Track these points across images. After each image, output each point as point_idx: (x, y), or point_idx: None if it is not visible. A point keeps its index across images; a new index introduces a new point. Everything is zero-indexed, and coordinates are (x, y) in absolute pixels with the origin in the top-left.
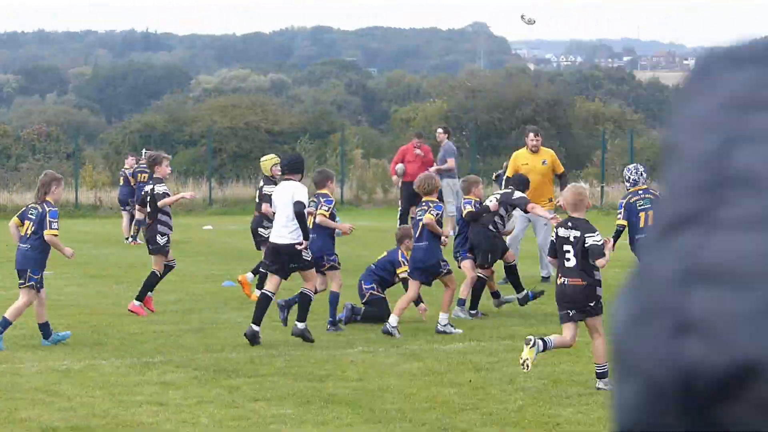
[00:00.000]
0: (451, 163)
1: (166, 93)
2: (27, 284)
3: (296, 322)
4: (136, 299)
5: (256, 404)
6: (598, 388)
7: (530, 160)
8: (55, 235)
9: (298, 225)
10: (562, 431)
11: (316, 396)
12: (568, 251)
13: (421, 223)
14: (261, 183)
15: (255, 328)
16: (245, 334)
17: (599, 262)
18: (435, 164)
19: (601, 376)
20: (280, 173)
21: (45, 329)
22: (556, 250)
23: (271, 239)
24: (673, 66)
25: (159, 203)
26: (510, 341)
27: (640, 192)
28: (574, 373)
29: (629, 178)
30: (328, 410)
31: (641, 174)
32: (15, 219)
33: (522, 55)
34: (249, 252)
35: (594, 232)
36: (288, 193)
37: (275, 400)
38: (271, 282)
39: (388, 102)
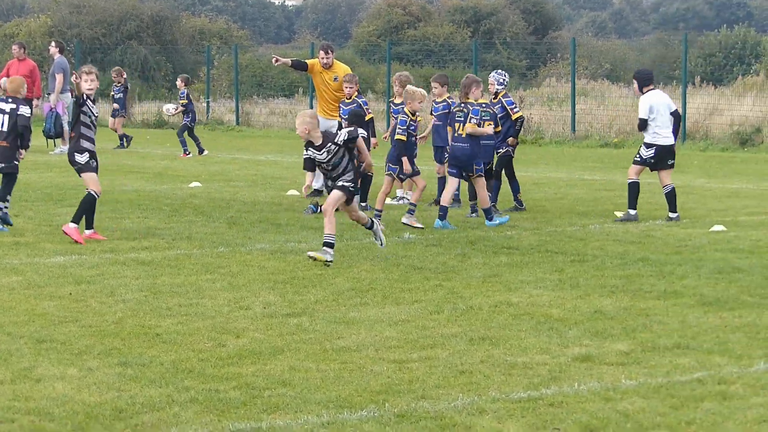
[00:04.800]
0: (59, 78)
1: None
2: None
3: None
4: None
5: None
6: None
7: (325, 74)
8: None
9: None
10: (162, 341)
11: None
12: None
13: None
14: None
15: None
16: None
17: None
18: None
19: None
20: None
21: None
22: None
23: (660, 142)
24: None
25: None
26: (111, 254)
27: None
28: (174, 285)
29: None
30: None
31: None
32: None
33: None
34: None
35: None
36: (666, 101)
37: None
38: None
39: None
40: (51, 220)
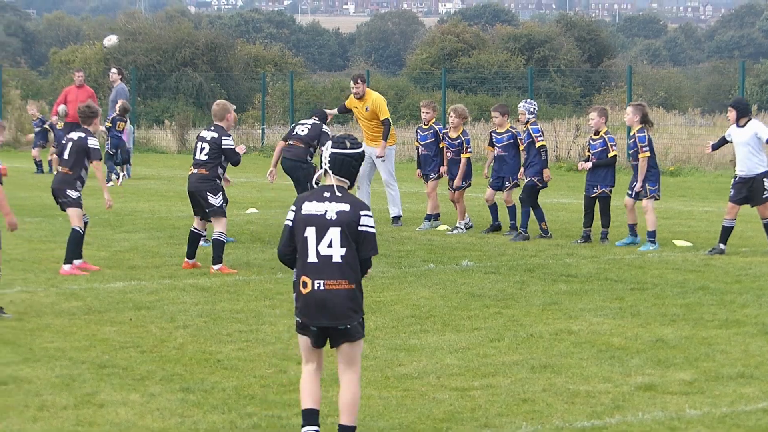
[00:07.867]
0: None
1: None
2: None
3: None
4: None
5: None
6: None
7: (357, 104)
8: None
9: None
10: (223, 367)
11: None
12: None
13: None
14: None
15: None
16: None
17: None
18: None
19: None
20: None
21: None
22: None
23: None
24: (333, 10)
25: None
26: (170, 280)
27: None
28: (234, 311)
29: (532, 110)
30: None
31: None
32: None
33: None
34: None
35: None
36: None
37: None
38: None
39: (47, 44)
40: (109, 245)
